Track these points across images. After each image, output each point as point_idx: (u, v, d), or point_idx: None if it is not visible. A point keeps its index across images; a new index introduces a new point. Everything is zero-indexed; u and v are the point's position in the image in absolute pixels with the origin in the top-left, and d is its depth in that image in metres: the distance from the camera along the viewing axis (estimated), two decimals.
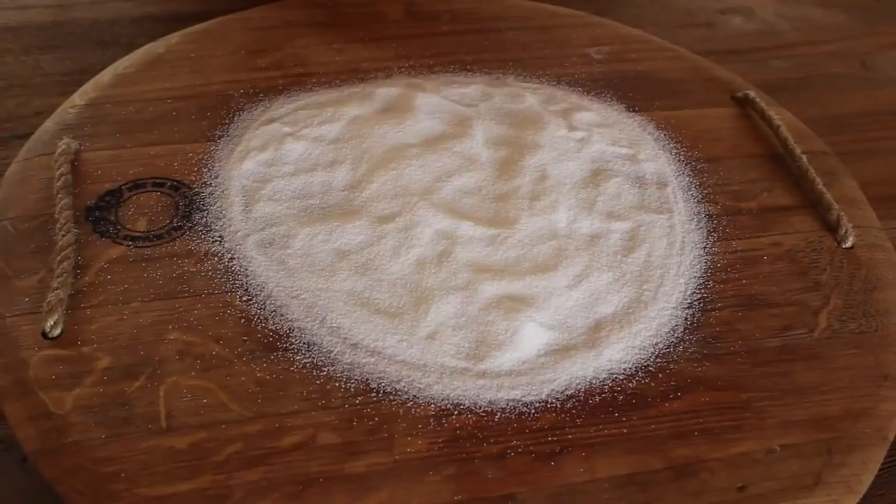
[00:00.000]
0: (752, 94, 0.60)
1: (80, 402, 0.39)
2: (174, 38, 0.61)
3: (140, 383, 0.40)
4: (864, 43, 0.79)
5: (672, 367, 0.43)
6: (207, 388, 0.40)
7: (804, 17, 0.82)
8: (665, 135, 0.57)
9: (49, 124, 0.53)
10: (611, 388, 0.42)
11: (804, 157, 0.55)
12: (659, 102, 0.59)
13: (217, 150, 0.52)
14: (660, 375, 0.42)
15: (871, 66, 0.76)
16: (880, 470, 0.41)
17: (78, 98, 0.55)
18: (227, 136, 0.53)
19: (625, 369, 0.42)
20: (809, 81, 0.74)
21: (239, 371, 0.41)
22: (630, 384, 0.42)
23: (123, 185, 0.49)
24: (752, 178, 0.54)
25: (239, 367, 0.41)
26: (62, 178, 0.48)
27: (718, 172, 0.54)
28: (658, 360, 0.43)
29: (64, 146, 0.50)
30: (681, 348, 0.44)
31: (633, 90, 0.60)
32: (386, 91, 0.56)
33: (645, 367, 0.43)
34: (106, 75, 0.57)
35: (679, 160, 0.55)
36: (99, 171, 0.50)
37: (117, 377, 0.40)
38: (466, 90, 0.57)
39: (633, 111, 0.58)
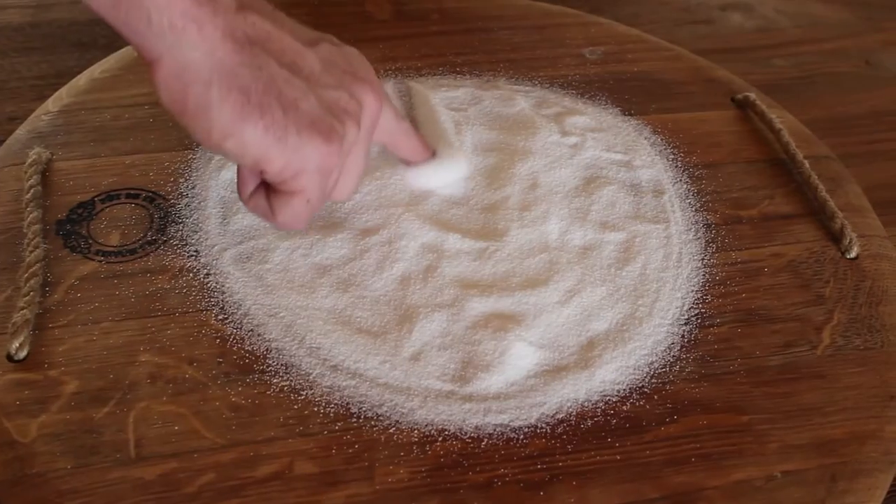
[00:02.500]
0: (752, 96, 0.58)
1: (46, 429, 0.37)
2: None
3: (109, 409, 0.38)
4: (868, 40, 0.77)
5: (668, 388, 0.41)
6: (179, 413, 0.38)
7: (805, 14, 0.79)
8: (662, 139, 0.55)
9: (21, 132, 0.51)
10: (603, 411, 0.40)
11: (806, 163, 0.53)
12: (656, 105, 0.57)
13: (195, 158, 0.50)
14: (655, 397, 0.40)
15: (875, 63, 0.74)
16: (887, 495, 0.39)
17: (51, 104, 0.53)
18: None
19: (618, 391, 0.40)
20: (812, 81, 0.72)
21: (213, 395, 0.39)
22: (624, 407, 0.40)
23: (96, 196, 0.47)
24: (753, 184, 0.52)
25: (213, 391, 0.39)
26: (32, 190, 0.46)
27: (717, 179, 0.52)
28: (653, 380, 0.41)
29: (35, 156, 0.48)
30: (677, 368, 0.42)
31: (629, 92, 0.58)
32: None
33: (640, 388, 0.41)
34: (81, 80, 0.55)
35: (676, 166, 0.53)
36: (71, 182, 0.48)
37: (85, 402, 0.38)
38: (455, 94, 0.55)
39: (629, 115, 0.56)
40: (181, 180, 0.48)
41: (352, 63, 0.40)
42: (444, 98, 0.55)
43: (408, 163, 0.47)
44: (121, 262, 0.44)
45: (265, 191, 0.38)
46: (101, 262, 0.44)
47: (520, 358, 0.41)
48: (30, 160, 0.48)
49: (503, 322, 0.42)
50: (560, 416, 0.39)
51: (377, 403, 0.39)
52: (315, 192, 0.37)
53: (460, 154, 0.49)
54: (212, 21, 0.33)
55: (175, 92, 0.33)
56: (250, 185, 0.38)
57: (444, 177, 0.48)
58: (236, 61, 0.33)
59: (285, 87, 0.35)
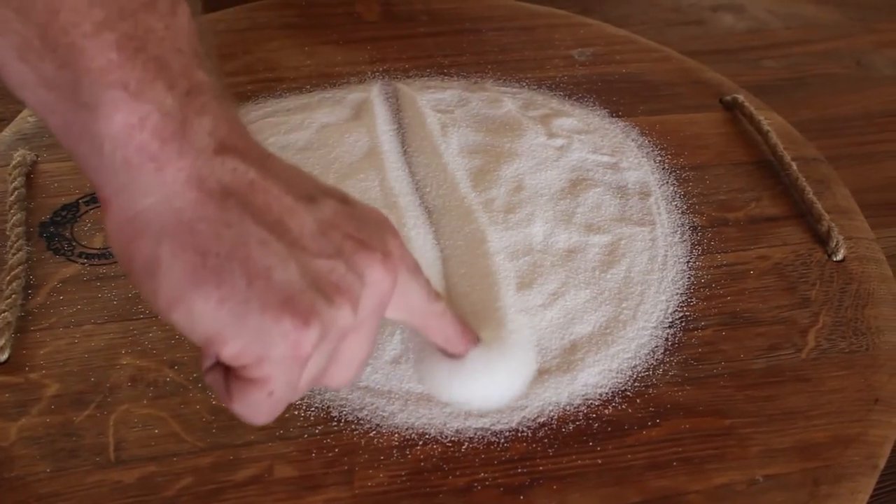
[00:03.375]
0: (740, 97, 0.58)
1: (26, 432, 0.37)
2: None
3: (89, 412, 0.38)
4: (860, 41, 0.77)
5: (651, 391, 0.41)
6: (159, 417, 0.38)
7: (797, 15, 0.79)
8: (649, 141, 0.55)
9: (6, 134, 0.51)
10: (585, 414, 0.39)
11: (794, 165, 0.53)
12: (644, 107, 0.57)
13: None
14: (638, 401, 0.40)
15: (866, 65, 0.74)
16: (870, 499, 0.39)
17: None
18: None
19: (601, 395, 0.40)
20: (803, 82, 0.72)
21: (193, 399, 0.39)
22: (606, 411, 0.40)
23: (80, 198, 0.47)
24: (740, 186, 0.52)
25: (194, 394, 0.39)
26: (15, 193, 0.46)
27: (704, 181, 0.52)
28: (636, 384, 0.41)
29: (19, 158, 0.48)
30: (660, 371, 0.42)
31: (617, 94, 0.58)
32: (358, 96, 0.54)
33: (622, 391, 0.40)
34: None
35: (663, 168, 0.53)
36: (56, 184, 0.48)
37: (65, 405, 0.38)
38: (442, 95, 0.55)
39: (617, 116, 0.56)
40: None
41: (362, 227, 0.30)
42: (431, 100, 0.54)
43: (445, 351, 0.36)
44: (104, 264, 0.44)
45: (223, 369, 0.29)
46: (84, 264, 0.44)
47: None
48: (14, 162, 0.48)
49: None
50: (541, 419, 0.39)
51: (357, 407, 0.39)
52: (281, 385, 0.28)
53: (525, 345, 0.39)
54: (175, 163, 0.26)
55: (123, 242, 0.27)
56: (210, 357, 0.29)
57: (497, 381, 0.37)
58: (198, 215, 0.27)
59: (258, 251, 0.27)
